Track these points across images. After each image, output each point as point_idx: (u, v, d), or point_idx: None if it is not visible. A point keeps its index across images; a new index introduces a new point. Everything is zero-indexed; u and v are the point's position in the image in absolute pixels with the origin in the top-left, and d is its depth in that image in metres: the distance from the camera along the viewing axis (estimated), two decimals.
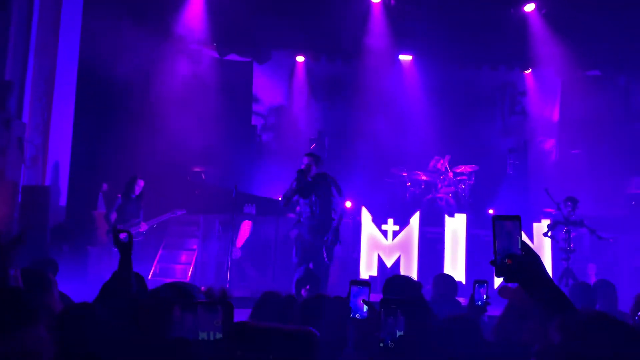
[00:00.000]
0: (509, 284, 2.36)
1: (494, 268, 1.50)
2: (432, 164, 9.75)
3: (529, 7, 9.59)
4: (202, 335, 1.31)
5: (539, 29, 9.67)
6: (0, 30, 7.08)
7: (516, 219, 1.53)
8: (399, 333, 1.83)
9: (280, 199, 6.06)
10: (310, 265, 5.69)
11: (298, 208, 6.17)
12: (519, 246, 1.50)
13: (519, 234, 1.51)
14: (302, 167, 5.83)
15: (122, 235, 2.63)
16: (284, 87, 11.72)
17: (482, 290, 2.93)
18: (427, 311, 2.09)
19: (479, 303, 2.94)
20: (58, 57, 7.48)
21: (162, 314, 1.45)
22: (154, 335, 1.47)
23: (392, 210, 8.82)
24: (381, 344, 1.81)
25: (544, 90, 11.53)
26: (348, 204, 9.22)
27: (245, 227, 8.26)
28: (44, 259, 4.42)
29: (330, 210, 5.85)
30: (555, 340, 1.24)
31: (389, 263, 7.66)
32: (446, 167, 9.63)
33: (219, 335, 1.31)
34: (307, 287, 4.19)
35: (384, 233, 7.76)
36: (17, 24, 7.17)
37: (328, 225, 5.82)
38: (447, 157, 9.70)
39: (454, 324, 2.22)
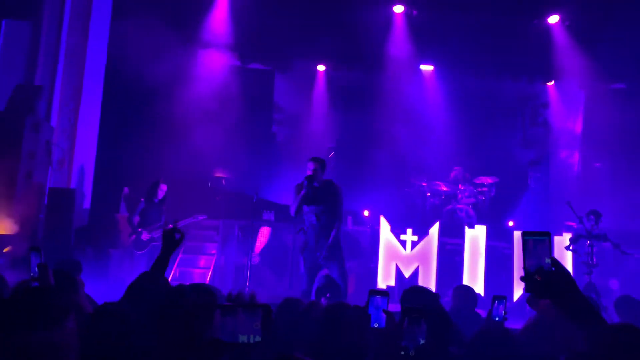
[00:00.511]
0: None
1: (513, 281, 1.52)
2: (452, 175, 9.71)
3: (553, 19, 9.53)
4: (242, 338, 1.32)
5: (562, 41, 9.59)
6: (32, 38, 7.29)
7: (546, 235, 1.54)
8: (421, 342, 1.84)
9: (292, 209, 5.80)
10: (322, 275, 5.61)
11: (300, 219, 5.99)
12: (549, 261, 1.51)
13: (548, 250, 1.52)
14: (309, 172, 5.70)
15: (178, 236, 2.68)
16: (305, 95, 11.80)
17: (500, 306, 2.93)
18: (449, 321, 2.10)
19: (497, 319, 2.93)
20: (86, 63, 7.68)
21: (198, 316, 1.48)
22: (189, 336, 1.51)
23: (411, 220, 8.79)
24: (402, 352, 1.82)
25: (567, 102, 11.40)
26: (366, 213, 9.22)
27: (264, 233, 8.29)
28: (68, 260, 4.53)
29: (334, 218, 5.73)
30: (583, 349, 1.24)
31: (407, 273, 7.62)
32: (465, 177, 9.58)
33: (258, 339, 1.32)
34: (327, 295, 4.19)
35: (403, 243, 7.73)
36: (48, 32, 7.38)
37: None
38: (460, 169, 9.66)
39: (488, 336, 2.21)
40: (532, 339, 2.27)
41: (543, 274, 1.49)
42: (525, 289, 1.51)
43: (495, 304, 2.91)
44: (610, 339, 1.24)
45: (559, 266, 1.51)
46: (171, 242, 2.67)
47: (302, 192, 5.66)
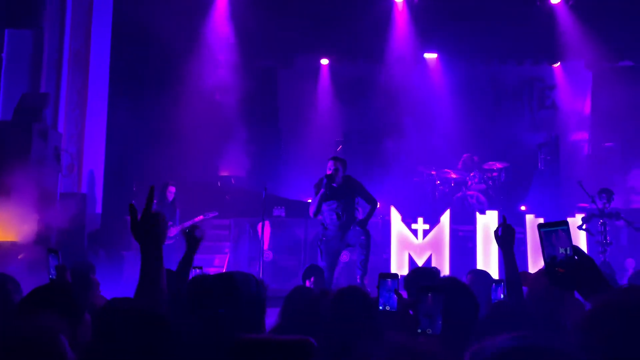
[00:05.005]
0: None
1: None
2: (461, 161, 9.67)
3: None
4: None
5: (566, 21, 9.48)
6: (35, 46, 7.34)
7: (563, 224, 1.47)
8: (438, 318, 1.82)
9: (311, 210, 5.83)
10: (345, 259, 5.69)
11: (320, 216, 6.00)
12: (570, 252, 1.44)
13: (568, 240, 1.45)
14: (329, 172, 5.71)
15: (198, 233, 2.74)
16: (309, 90, 11.78)
17: (499, 289, 2.95)
18: (467, 292, 2.08)
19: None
20: (90, 67, 7.72)
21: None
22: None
23: (421, 209, 8.76)
24: (419, 330, 1.80)
25: (574, 83, 11.29)
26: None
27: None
28: (83, 262, 4.56)
29: (354, 213, 5.82)
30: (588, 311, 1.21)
31: (420, 262, 7.59)
32: (474, 162, 9.52)
33: None
34: (312, 279, 4.28)
35: (414, 232, 7.70)
36: (50, 39, 7.42)
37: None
38: (468, 155, 9.61)
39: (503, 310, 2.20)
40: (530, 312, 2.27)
41: (564, 265, 1.43)
42: (549, 283, 1.46)
43: (493, 287, 2.92)
44: (617, 298, 1.20)
45: (581, 255, 1.44)
46: (193, 240, 2.72)
47: (321, 192, 5.69)
